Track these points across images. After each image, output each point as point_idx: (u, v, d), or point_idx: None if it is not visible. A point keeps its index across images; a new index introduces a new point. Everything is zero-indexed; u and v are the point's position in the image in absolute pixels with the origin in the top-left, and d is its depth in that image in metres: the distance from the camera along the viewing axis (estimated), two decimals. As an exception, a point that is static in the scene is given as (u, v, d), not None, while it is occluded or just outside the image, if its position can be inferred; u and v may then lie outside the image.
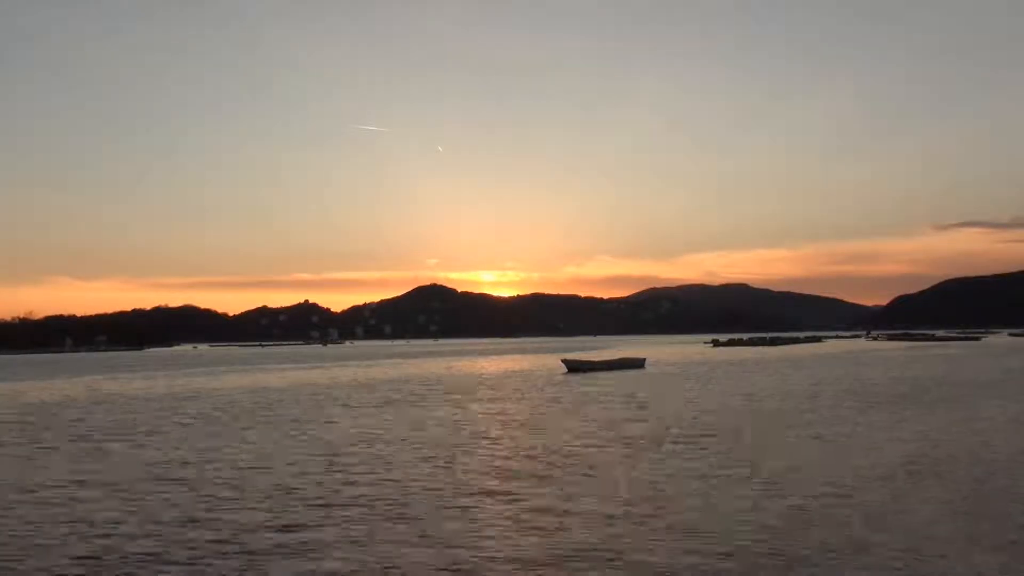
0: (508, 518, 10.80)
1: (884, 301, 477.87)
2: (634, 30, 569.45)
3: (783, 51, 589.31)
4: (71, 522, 11.05)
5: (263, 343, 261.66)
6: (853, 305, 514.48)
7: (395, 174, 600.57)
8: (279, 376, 54.91)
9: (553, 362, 64.96)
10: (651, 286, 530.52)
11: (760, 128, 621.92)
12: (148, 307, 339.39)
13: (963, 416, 22.48)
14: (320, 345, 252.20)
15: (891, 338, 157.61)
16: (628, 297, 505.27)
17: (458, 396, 33.12)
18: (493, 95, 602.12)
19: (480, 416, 24.74)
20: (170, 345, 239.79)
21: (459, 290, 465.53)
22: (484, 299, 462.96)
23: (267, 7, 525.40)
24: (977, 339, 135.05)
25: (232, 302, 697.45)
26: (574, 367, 53.60)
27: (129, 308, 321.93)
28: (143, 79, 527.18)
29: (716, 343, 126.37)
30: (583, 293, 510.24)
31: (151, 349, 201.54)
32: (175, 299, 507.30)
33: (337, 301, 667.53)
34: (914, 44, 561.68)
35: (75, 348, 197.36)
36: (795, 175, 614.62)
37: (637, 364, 58.29)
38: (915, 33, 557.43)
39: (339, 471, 14.83)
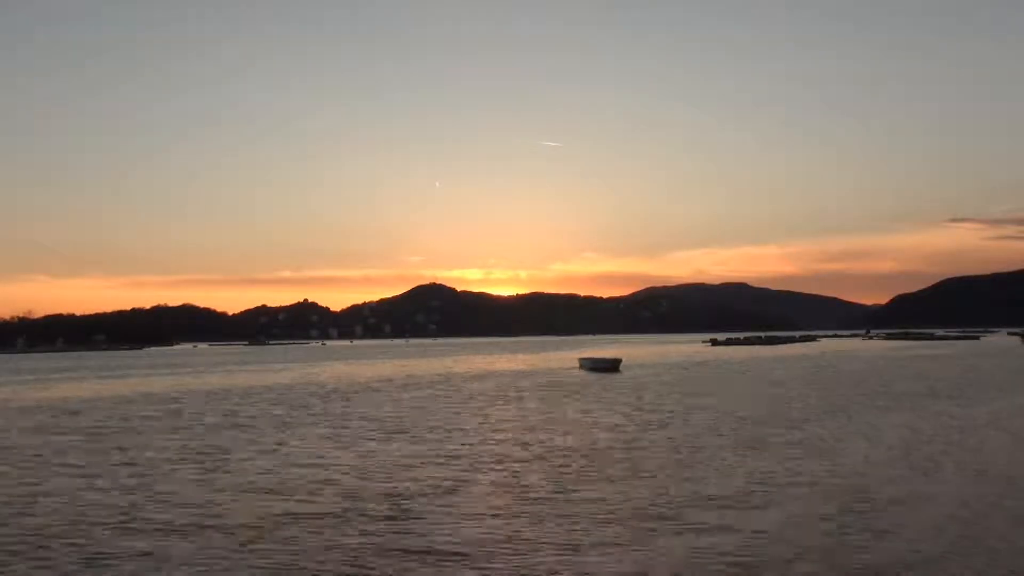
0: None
1: (883, 300, 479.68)
2: (622, 29, 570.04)
3: (771, 46, 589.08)
4: None
5: (265, 342, 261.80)
6: (853, 304, 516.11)
7: (385, 173, 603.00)
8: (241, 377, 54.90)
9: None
10: (644, 284, 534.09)
11: (746, 124, 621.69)
12: (147, 306, 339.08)
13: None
14: (319, 344, 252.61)
15: (890, 337, 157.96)
16: (627, 296, 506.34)
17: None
18: (483, 95, 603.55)
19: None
20: (170, 344, 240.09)
21: (458, 289, 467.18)
22: (483, 298, 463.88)
23: (264, 11, 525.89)
24: (977, 338, 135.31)
25: (231, 301, 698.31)
26: (598, 366, 55.19)
27: (128, 307, 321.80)
28: (141, 80, 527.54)
29: (715, 342, 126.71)
30: (582, 292, 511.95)
31: (151, 348, 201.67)
32: (164, 298, 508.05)
33: (336, 300, 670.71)
34: (905, 41, 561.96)
35: (72, 348, 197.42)
36: (784, 172, 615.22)
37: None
38: (914, 29, 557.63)
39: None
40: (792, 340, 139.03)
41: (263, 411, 28.46)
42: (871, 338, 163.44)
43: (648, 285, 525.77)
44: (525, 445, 18.28)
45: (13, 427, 25.00)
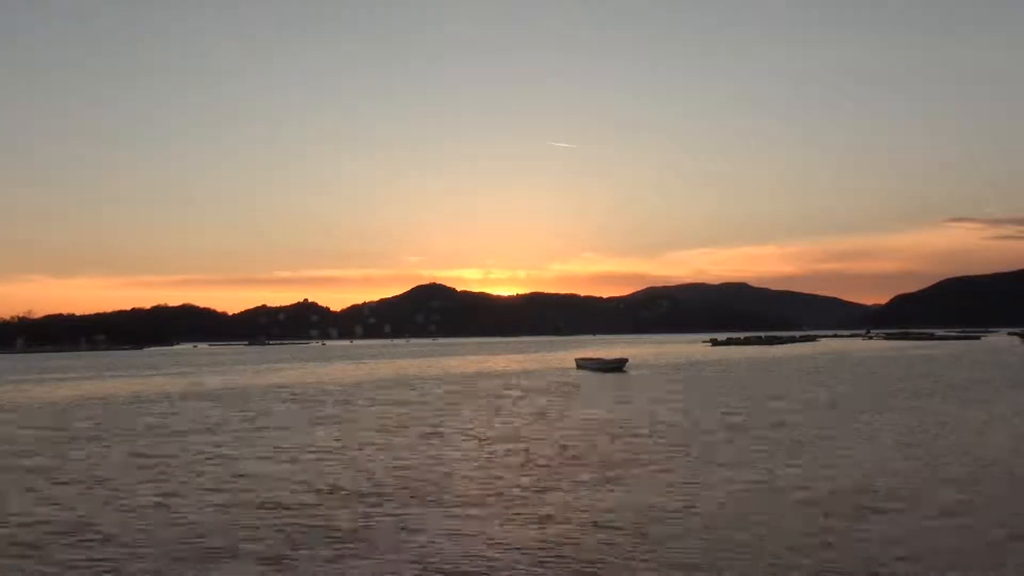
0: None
1: (883, 300, 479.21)
2: (617, 28, 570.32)
3: (771, 46, 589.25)
4: None
5: (265, 342, 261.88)
6: (854, 304, 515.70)
7: (385, 173, 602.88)
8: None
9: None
10: (644, 284, 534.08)
11: (746, 124, 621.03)
12: (147, 306, 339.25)
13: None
14: (319, 344, 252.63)
15: (889, 337, 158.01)
16: (627, 296, 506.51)
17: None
18: (483, 95, 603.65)
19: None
20: (170, 344, 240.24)
21: (458, 289, 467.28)
22: (483, 298, 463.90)
23: (264, 11, 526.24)
24: (977, 338, 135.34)
25: (231, 301, 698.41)
26: (601, 367, 55.66)
27: (128, 307, 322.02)
28: (142, 80, 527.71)
29: (715, 342, 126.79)
30: (582, 292, 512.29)
31: (151, 348, 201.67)
32: (164, 297, 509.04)
33: (336, 300, 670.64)
34: (905, 41, 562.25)
35: (72, 348, 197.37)
36: (784, 172, 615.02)
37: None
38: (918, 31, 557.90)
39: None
40: (792, 340, 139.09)
41: (264, 409, 28.52)
42: (871, 338, 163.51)
43: (648, 285, 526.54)
44: (524, 441, 18.33)
45: (17, 426, 25.04)
